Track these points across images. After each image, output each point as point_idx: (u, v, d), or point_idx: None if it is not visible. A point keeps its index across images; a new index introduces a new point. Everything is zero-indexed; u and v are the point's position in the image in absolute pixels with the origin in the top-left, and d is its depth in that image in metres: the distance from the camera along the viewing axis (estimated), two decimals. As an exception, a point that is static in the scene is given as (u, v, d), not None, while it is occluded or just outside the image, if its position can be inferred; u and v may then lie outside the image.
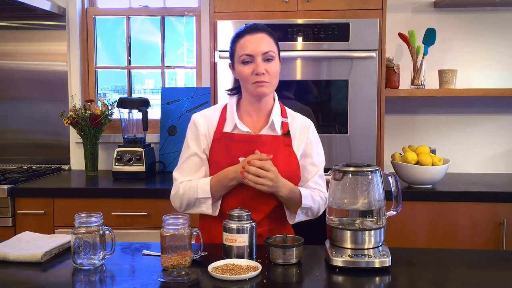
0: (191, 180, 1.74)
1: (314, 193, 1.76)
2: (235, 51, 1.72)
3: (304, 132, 1.80)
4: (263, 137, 1.73)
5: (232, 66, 1.77)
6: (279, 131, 1.75)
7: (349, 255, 1.45)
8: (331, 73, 2.60)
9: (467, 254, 1.67)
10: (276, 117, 1.76)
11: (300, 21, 2.60)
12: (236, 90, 1.82)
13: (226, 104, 1.82)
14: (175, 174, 1.80)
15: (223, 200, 1.73)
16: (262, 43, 1.68)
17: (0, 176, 2.76)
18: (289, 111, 1.84)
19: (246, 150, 1.69)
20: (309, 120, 1.85)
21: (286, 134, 1.76)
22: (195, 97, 3.17)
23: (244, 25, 1.74)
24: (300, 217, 1.74)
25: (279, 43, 1.76)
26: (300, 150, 1.78)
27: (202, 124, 1.77)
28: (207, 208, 1.70)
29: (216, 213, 1.72)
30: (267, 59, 1.68)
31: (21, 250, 1.55)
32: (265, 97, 1.74)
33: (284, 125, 1.77)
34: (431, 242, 2.53)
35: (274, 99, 1.80)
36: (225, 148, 1.73)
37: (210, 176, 1.75)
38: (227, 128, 1.74)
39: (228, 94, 1.84)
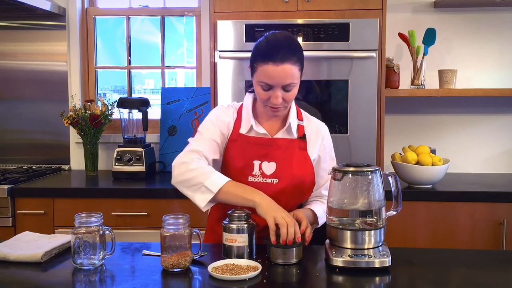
0: (208, 165, 1.64)
1: (325, 205, 1.74)
2: (256, 70, 1.62)
3: (319, 137, 1.79)
4: (278, 140, 1.72)
5: (251, 74, 1.69)
6: (295, 135, 1.74)
7: (349, 255, 1.45)
8: (331, 73, 2.60)
9: (467, 254, 1.67)
10: (293, 120, 1.74)
11: (300, 21, 2.60)
12: None
13: (241, 104, 1.79)
14: (194, 144, 1.68)
15: (223, 205, 1.69)
16: (285, 76, 1.58)
17: (0, 176, 2.76)
18: (304, 114, 1.83)
19: (262, 154, 1.69)
20: (324, 124, 1.84)
21: (302, 137, 1.75)
22: (195, 97, 3.17)
23: (269, 39, 1.62)
24: None
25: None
26: (314, 154, 1.77)
27: (232, 119, 1.73)
28: (200, 200, 1.59)
29: (204, 209, 1.62)
30: (287, 89, 1.62)
31: (21, 250, 1.55)
32: None
33: (300, 128, 1.76)
34: (431, 242, 2.53)
35: None
36: (240, 150, 1.71)
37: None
38: (243, 130, 1.72)
39: (247, 92, 1.80)
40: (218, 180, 1.58)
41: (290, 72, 1.59)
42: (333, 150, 1.84)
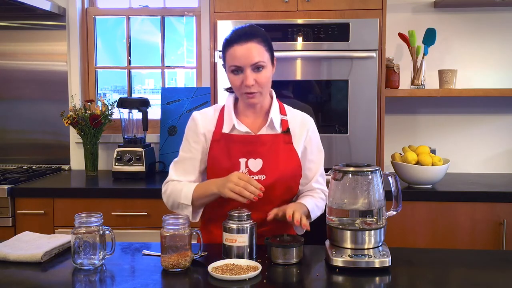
0: (180, 182, 1.74)
1: (316, 199, 1.77)
2: (226, 58, 1.69)
3: (304, 129, 1.79)
4: (262, 136, 1.73)
5: (223, 65, 1.74)
6: (278, 130, 1.74)
7: (349, 255, 1.45)
8: (331, 73, 2.60)
9: (467, 254, 1.67)
10: (274, 115, 1.75)
11: (300, 21, 2.60)
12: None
13: (224, 105, 1.80)
14: (173, 172, 1.79)
15: (211, 204, 1.72)
16: (251, 54, 1.62)
17: (0, 176, 2.76)
18: (288, 108, 1.83)
19: (246, 151, 1.70)
20: (309, 116, 1.84)
21: (286, 131, 1.75)
22: (195, 97, 3.17)
23: (233, 29, 1.69)
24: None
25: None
26: (300, 147, 1.77)
27: (201, 123, 1.76)
28: (188, 214, 1.69)
29: (196, 220, 1.73)
30: (257, 68, 1.64)
31: (21, 250, 1.55)
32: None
33: (284, 123, 1.76)
34: (431, 242, 2.53)
35: (271, 97, 1.79)
36: (224, 150, 1.72)
37: (207, 176, 1.75)
38: (226, 129, 1.73)
39: (228, 91, 1.83)
40: (187, 193, 1.69)
41: (256, 50, 1.63)
42: (320, 141, 1.84)
